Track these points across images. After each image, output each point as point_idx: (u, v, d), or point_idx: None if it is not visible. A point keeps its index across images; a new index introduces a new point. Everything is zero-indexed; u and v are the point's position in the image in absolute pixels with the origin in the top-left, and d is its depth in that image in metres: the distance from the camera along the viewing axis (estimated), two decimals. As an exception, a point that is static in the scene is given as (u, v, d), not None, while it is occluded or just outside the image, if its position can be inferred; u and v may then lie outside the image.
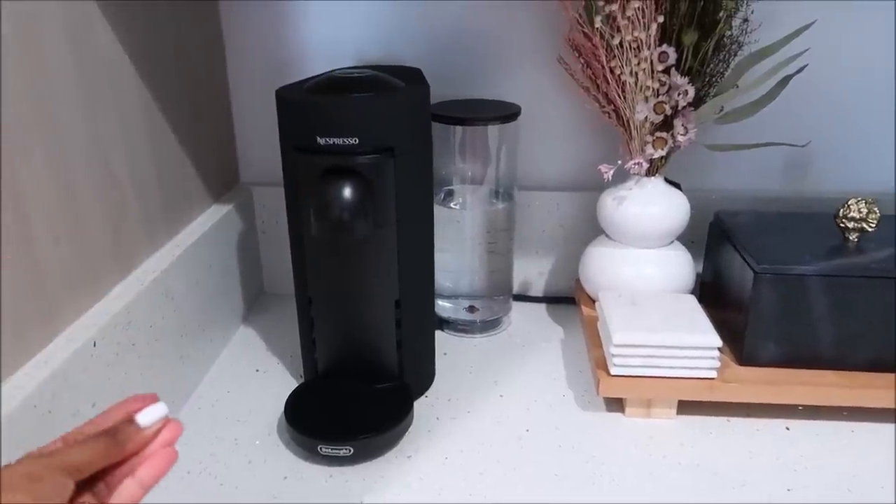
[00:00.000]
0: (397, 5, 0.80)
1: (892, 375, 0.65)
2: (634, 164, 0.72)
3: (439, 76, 0.72)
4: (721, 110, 0.71)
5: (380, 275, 0.65)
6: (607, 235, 0.79)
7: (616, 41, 0.67)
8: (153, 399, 0.37)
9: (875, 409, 0.65)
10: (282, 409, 0.65)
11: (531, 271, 0.90)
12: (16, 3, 0.49)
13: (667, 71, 0.68)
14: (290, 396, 0.67)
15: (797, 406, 0.66)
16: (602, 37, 0.68)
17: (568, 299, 0.88)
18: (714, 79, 0.71)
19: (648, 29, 0.66)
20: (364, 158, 0.59)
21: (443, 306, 0.83)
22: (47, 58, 0.52)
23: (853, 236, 0.68)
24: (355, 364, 0.69)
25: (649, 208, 0.74)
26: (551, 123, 0.84)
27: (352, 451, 0.60)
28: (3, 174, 0.47)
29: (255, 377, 0.75)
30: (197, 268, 0.72)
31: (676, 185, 0.76)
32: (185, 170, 0.74)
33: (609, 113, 0.73)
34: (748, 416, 0.67)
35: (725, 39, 0.69)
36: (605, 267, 0.77)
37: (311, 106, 0.59)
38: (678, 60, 0.68)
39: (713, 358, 0.65)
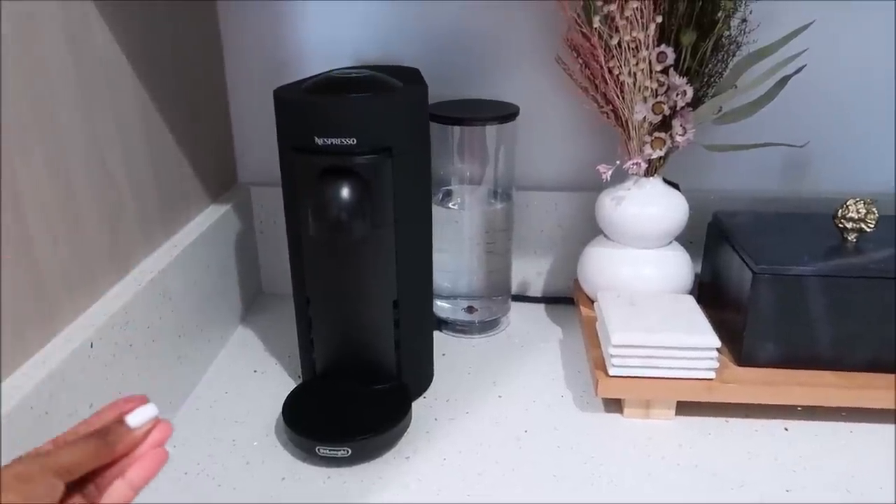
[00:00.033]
0: (395, 5, 0.80)
1: (891, 376, 0.65)
2: (633, 164, 0.72)
3: (437, 76, 0.71)
4: (719, 110, 0.71)
5: (378, 275, 0.65)
6: (606, 236, 0.79)
7: (614, 41, 0.67)
8: (143, 400, 0.37)
9: (874, 410, 0.65)
10: (280, 409, 0.65)
11: (530, 271, 0.90)
12: (15, 4, 0.48)
13: (665, 71, 0.68)
14: (288, 397, 0.67)
15: (796, 407, 0.66)
16: (600, 37, 0.68)
17: (566, 300, 0.88)
18: (712, 79, 0.71)
19: (647, 29, 0.66)
20: (362, 158, 0.59)
21: (441, 307, 0.83)
22: (46, 58, 0.52)
23: (852, 237, 0.68)
24: (353, 365, 0.69)
25: (648, 208, 0.74)
26: (550, 123, 0.84)
27: (350, 451, 0.60)
28: (3, 174, 0.47)
29: (252, 378, 0.75)
30: (195, 268, 0.72)
31: (675, 186, 0.76)
32: (182, 170, 0.74)
33: (607, 113, 0.73)
34: (747, 416, 0.67)
35: (724, 40, 0.69)
36: (604, 267, 0.77)
37: (309, 106, 0.59)
38: (676, 61, 0.68)
39: (712, 359, 0.65)
